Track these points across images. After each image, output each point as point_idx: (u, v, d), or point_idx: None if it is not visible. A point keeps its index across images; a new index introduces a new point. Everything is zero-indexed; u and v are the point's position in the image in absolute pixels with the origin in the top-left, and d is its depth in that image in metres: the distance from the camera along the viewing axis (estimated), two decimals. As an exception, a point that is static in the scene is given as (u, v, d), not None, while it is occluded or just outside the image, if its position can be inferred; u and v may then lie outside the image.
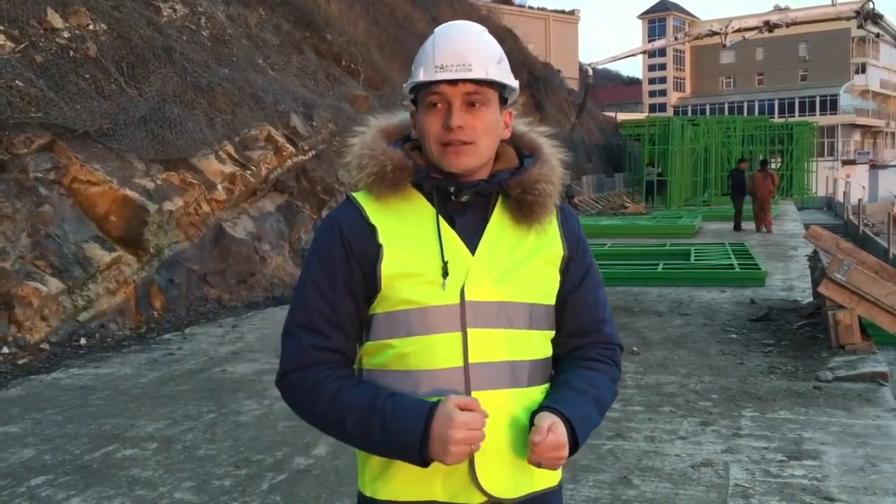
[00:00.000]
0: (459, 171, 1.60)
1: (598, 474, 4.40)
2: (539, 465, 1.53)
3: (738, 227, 20.55)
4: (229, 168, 10.95)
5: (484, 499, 1.58)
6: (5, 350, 7.33)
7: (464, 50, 1.59)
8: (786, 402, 5.71)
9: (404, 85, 1.69)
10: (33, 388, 6.50)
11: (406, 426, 1.50)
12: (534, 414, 1.58)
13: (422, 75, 1.60)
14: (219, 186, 10.64)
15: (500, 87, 1.63)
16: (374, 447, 1.57)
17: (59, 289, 8.09)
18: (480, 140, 1.59)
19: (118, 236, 9.02)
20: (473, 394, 1.56)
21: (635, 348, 7.38)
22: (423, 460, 1.50)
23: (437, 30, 1.66)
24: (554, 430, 1.51)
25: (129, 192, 9.15)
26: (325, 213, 12.82)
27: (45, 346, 7.71)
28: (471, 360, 1.56)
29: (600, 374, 1.70)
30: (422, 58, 1.63)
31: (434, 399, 1.52)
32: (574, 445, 1.57)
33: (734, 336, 7.99)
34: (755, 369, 6.64)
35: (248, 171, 11.25)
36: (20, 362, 7.24)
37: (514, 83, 1.66)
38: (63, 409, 5.87)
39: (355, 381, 1.61)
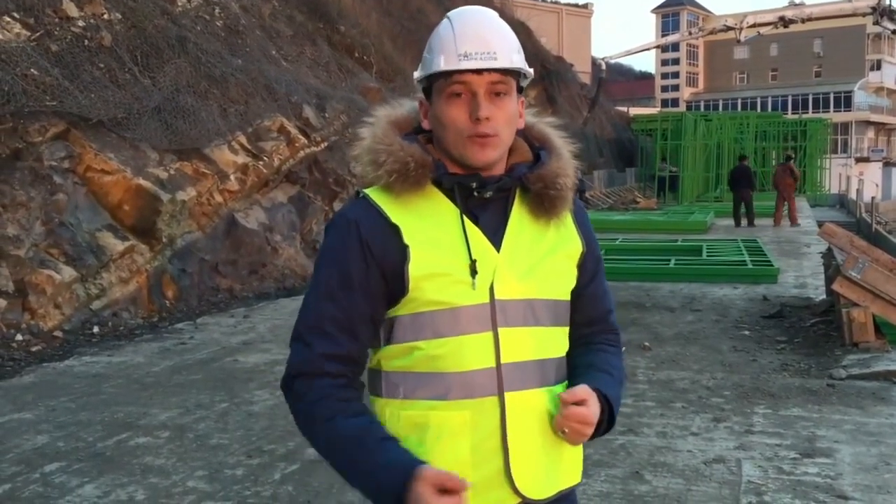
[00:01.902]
0: (484, 164, 1.55)
1: (609, 469, 4.40)
2: (562, 432, 1.52)
3: (740, 223, 20.36)
4: (242, 159, 10.97)
5: (516, 500, 1.55)
6: (19, 337, 7.38)
7: (487, 36, 1.53)
8: (799, 399, 5.69)
9: (416, 73, 1.61)
10: (46, 376, 6.54)
11: (383, 488, 1.45)
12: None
13: (443, 63, 1.52)
14: (231, 177, 10.65)
15: (517, 76, 1.59)
16: (355, 485, 1.53)
17: (73, 277, 8.13)
18: (503, 131, 1.55)
19: (131, 225, 9.06)
20: (506, 394, 1.53)
21: (647, 343, 7.37)
22: None
23: (451, 15, 1.59)
24: (588, 404, 1.51)
25: (142, 182, 9.18)
26: (336, 205, 12.82)
27: (58, 333, 7.75)
28: (503, 360, 1.53)
29: (615, 357, 1.72)
30: (440, 44, 1.55)
31: (464, 428, 1.50)
32: (609, 426, 1.59)
33: (747, 333, 7.96)
34: (768, 366, 6.61)
35: (261, 162, 11.26)
36: (33, 349, 7.28)
37: (531, 71, 1.62)
38: (76, 396, 5.90)
39: (355, 408, 1.54)
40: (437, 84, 1.55)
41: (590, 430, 1.52)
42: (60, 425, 5.21)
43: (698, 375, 6.36)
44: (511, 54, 1.55)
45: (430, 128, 1.61)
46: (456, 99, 1.53)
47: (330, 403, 1.53)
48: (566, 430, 1.51)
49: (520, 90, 1.60)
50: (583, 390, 1.52)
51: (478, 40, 1.52)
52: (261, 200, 11.43)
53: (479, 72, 1.52)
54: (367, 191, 1.60)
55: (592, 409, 1.51)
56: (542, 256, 1.60)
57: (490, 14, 1.59)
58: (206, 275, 10.03)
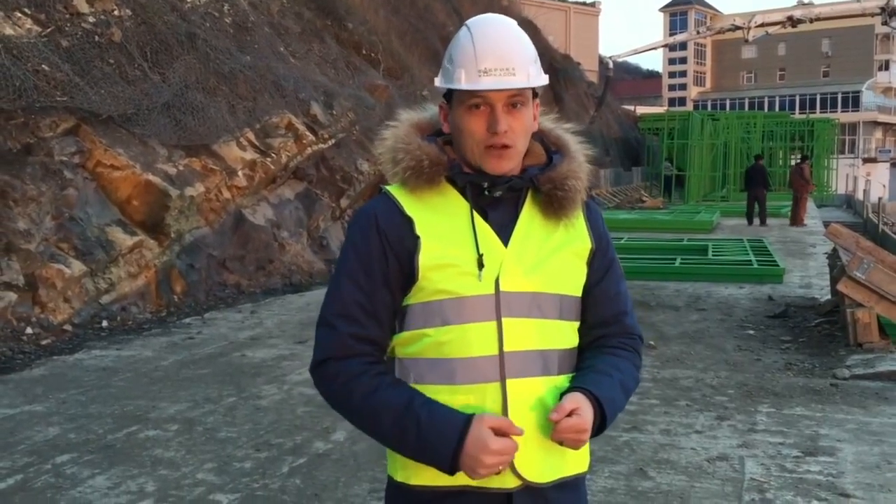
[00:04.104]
0: (500, 173, 1.64)
1: (613, 465, 4.44)
2: (561, 443, 1.58)
3: (752, 221, 20.59)
4: (250, 155, 11.03)
5: (518, 483, 1.62)
6: (29, 331, 7.45)
7: (506, 52, 1.61)
8: (802, 398, 5.72)
9: (437, 80, 1.68)
10: (56, 369, 6.61)
11: (439, 440, 1.54)
12: (562, 396, 1.62)
13: (464, 78, 1.60)
14: (239, 173, 10.72)
15: None
16: (405, 451, 1.61)
17: (82, 271, 8.20)
18: (519, 141, 1.64)
19: (140, 220, 9.12)
20: (508, 381, 1.60)
21: (651, 342, 7.40)
22: (451, 472, 1.56)
23: (472, 26, 1.66)
24: (578, 413, 1.56)
25: (151, 177, 9.24)
26: (343, 201, 12.89)
27: (67, 327, 7.82)
28: (506, 349, 1.61)
29: (623, 360, 1.75)
30: (461, 57, 1.63)
31: (468, 411, 1.56)
32: (601, 426, 1.63)
33: (751, 332, 7.99)
34: (772, 365, 6.64)
35: (269, 159, 11.32)
36: (43, 343, 7.35)
37: (546, 78, 1.69)
38: (86, 389, 5.97)
39: (391, 380, 1.64)
40: (457, 94, 1.64)
41: (586, 436, 1.58)
42: (71, 417, 5.28)
43: (703, 374, 6.40)
44: (528, 67, 1.62)
45: (450, 132, 1.70)
46: (475, 110, 1.62)
47: (366, 379, 1.62)
48: (564, 441, 1.58)
49: (535, 95, 1.68)
50: (570, 402, 1.57)
51: (497, 56, 1.60)
52: (268, 197, 11.49)
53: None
54: (388, 187, 1.71)
55: (584, 416, 1.57)
56: (549, 253, 1.68)
57: (508, 24, 1.66)
58: (214, 270, 10.10)
